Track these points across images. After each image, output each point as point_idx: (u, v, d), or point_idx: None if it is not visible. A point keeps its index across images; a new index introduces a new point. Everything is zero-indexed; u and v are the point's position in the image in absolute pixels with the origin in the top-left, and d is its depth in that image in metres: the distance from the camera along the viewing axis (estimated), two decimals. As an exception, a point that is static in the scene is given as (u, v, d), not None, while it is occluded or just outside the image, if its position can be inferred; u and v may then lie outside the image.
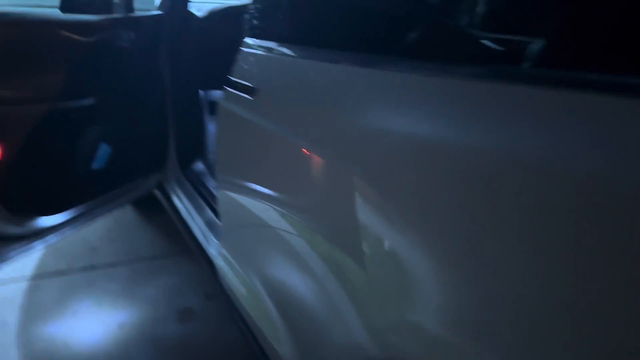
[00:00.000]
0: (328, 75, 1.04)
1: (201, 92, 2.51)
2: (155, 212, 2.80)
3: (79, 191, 1.87)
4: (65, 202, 1.82)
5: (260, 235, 1.38)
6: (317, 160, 1.01)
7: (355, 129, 0.89)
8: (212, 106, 2.68)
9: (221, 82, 2.64)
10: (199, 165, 2.52)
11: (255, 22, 1.41)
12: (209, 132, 2.66)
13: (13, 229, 1.70)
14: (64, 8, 2.08)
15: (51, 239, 1.93)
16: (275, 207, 1.22)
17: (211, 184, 2.36)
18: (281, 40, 1.25)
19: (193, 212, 2.20)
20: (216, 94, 2.69)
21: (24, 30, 1.56)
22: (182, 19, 2.25)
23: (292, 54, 1.18)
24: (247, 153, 1.35)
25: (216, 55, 2.42)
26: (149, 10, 2.50)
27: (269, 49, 1.28)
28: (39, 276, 2.26)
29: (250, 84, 1.29)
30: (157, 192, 2.53)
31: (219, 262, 1.72)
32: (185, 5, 2.28)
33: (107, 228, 2.73)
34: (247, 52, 1.38)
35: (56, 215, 1.80)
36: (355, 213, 0.84)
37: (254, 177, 1.33)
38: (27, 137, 1.61)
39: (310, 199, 1.05)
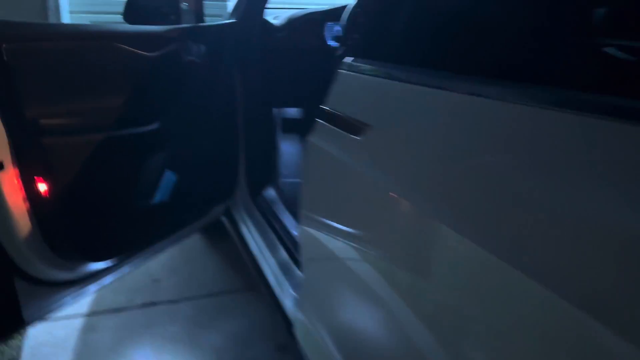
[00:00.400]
0: (480, 117, 0.71)
1: (274, 109, 2.22)
2: (221, 238, 2.55)
3: (139, 231, 1.62)
4: (123, 245, 1.58)
5: (358, 302, 1.07)
6: (441, 228, 0.72)
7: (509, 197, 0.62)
8: (286, 124, 2.40)
9: (300, 98, 2.36)
10: (270, 192, 2.24)
11: (358, 36, 1.09)
12: (281, 154, 2.38)
13: (62, 275, 1.47)
14: (128, 17, 1.85)
15: (108, 279, 1.70)
16: (383, 273, 0.91)
17: (284, 215, 2.07)
18: (404, 63, 0.92)
19: (264, 249, 1.92)
20: (291, 111, 2.40)
21: (76, 46, 1.33)
22: (257, 28, 1.98)
23: (425, 83, 0.84)
24: (348, 205, 1.04)
25: (294, 69, 2.13)
26: (220, 16, 2.25)
27: (385, 74, 0.95)
28: (95, 313, 2.05)
29: (356, 118, 0.97)
30: (223, 219, 2.28)
31: (297, 321, 1.43)
32: (260, 13, 2.00)
33: (169, 255, 2.51)
34: (349, 76, 1.06)
35: (112, 260, 1.56)
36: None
37: (356, 235, 1.02)
38: (79, 171, 1.38)
39: (430, 270, 0.77)
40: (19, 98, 1.23)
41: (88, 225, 1.46)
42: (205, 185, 1.96)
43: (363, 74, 1.01)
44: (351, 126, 0.98)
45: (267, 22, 2.03)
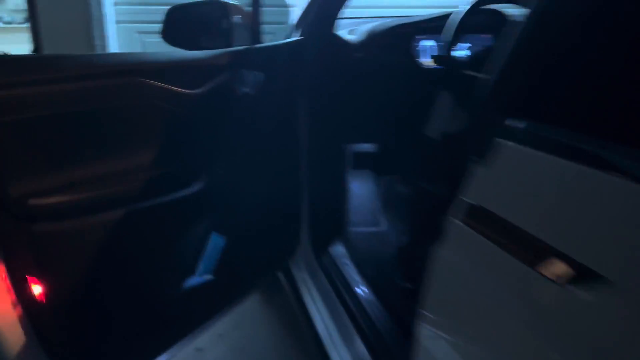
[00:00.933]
0: None
1: (345, 145, 1.78)
2: (277, 293, 2.14)
3: (173, 322, 1.22)
4: (153, 343, 1.18)
5: None
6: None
7: None
8: (357, 159, 1.96)
9: (379, 131, 1.90)
10: (338, 248, 1.80)
11: (540, 81, 0.63)
12: (351, 196, 1.93)
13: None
14: (167, 35, 1.46)
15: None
16: None
17: (357, 283, 1.63)
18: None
19: (334, 332, 1.49)
20: (365, 146, 1.95)
21: (82, 87, 0.93)
22: (327, 46, 1.54)
23: None
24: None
25: (375, 96, 1.67)
26: (282, 23, 1.83)
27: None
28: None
29: (562, 251, 0.51)
30: (280, 275, 1.87)
31: None
32: (331, 26, 1.56)
33: (215, 314, 2.11)
34: (527, 155, 0.60)
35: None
36: None
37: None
38: (89, 262, 0.98)
39: None
40: (-1, 169, 0.84)
41: (104, 329, 1.07)
42: (261, 247, 1.54)
43: (564, 157, 0.54)
44: (544, 259, 0.53)
45: (339, 38, 1.59)
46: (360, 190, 2.02)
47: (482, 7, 1.37)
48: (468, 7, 1.35)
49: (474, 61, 1.38)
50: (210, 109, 1.21)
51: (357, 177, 2.00)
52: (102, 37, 3.72)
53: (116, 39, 3.98)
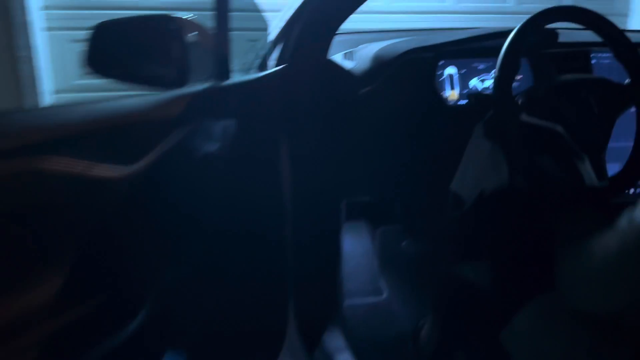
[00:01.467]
0: None
1: (341, 208, 1.36)
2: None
3: None
4: None
5: None
6: None
7: None
8: (351, 210, 1.55)
9: (384, 180, 1.42)
10: (334, 339, 1.38)
11: None
12: (345, 258, 1.52)
13: None
14: (92, 61, 0.98)
15: None
16: None
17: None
18: None
19: None
20: (364, 199, 1.54)
21: None
22: (320, 80, 1.11)
23: None
24: None
25: (381, 141, 1.25)
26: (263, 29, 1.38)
27: None
28: None
29: None
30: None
31: None
32: (323, 51, 1.13)
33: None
34: None
35: None
36: None
37: None
38: None
39: None
40: None
41: None
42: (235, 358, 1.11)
43: None
44: None
45: (337, 67, 1.16)
46: (353, 246, 1.62)
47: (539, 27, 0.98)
48: (524, 25, 0.96)
49: (528, 103, 1.00)
50: (156, 192, 0.77)
51: (349, 231, 1.60)
52: (27, 47, 3.19)
53: (46, 49, 3.44)
